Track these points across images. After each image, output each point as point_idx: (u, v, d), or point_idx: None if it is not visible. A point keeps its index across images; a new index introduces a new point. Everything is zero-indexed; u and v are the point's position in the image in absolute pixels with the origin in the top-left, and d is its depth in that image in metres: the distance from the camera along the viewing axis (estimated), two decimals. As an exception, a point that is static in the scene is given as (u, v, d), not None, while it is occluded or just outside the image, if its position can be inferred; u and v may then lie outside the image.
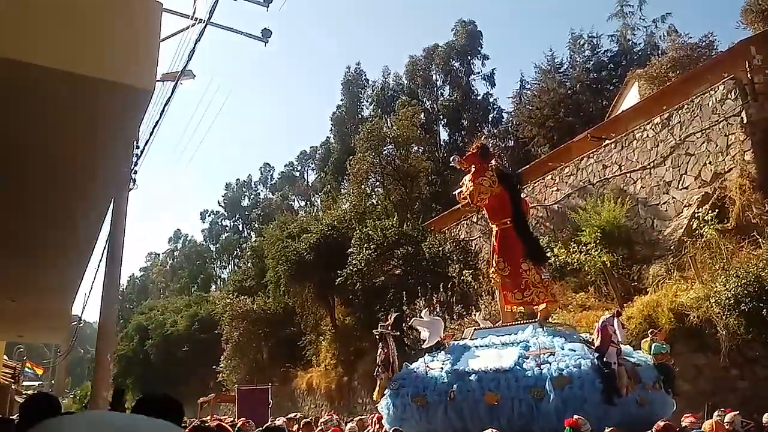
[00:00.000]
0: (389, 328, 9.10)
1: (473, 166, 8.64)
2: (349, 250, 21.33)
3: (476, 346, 8.23)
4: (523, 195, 10.30)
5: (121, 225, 7.43)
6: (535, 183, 20.49)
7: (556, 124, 35.15)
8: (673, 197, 15.59)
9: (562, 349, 7.22)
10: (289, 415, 13.01)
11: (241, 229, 69.76)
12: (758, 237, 11.84)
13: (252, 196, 68.88)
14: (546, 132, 35.68)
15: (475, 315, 16.46)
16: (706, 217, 11.34)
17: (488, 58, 43.35)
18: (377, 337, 9.03)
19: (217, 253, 67.95)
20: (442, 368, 7.96)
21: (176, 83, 8.28)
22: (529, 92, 40.32)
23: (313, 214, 29.49)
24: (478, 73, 43.63)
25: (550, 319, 8.69)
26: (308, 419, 11.39)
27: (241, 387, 22.57)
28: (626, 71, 32.29)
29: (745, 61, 15.05)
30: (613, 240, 14.98)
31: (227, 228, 70.85)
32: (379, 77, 49.13)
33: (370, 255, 20.30)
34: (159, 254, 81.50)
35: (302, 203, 57.62)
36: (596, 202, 15.77)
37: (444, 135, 42.34)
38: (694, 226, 12.01)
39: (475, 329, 8.91)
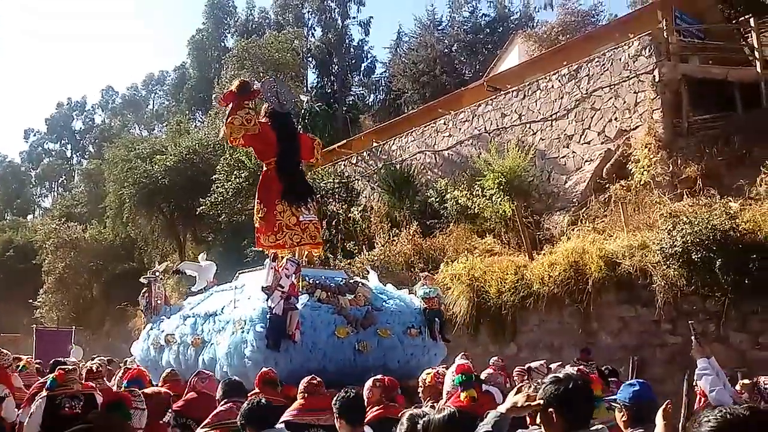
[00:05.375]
0: (155, 274, 8.99)
1: (231, 104, 7.95)
2: (215, 176, 18.68)
3: (223, 290, 8.21)
4: (309, 135, 9.69)
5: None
6: (425, 127, 19.41)
7: (430, 80, 34.80)
8: (574, 151, 15.22)
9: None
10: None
11: (69, 155, 61.58)
12: (661, 195, 11.70)
13: (87, 120, 60.92)
14: (419, 87, 35.18)
15: (366, 254, 15.24)
16: (644, 163, 10.76)
17: (364, 5, 41.62)
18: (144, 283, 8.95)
19: (38, 179, 59.51)
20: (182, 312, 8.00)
21: None
22: (406, 45, 39.41)
23: (169, 136, 25.85)
24: (354, 18, 41.76)
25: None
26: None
27: (39, 328, 20.78)
28: (502, 37, 32.50)
29: (654, 24, 14.93)
30: (513, 189, 14.31)
31: (52, 152, 62.24)
32: (244, 7, 45.39)
33: (240, 184, 17.85)
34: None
35: (145, 133, 51.92)
36: (496, 149, 14.97)
37: (312, 78, 40.14)
38: (633, 171, 11.41)
39: (240, 272, 8.74)
